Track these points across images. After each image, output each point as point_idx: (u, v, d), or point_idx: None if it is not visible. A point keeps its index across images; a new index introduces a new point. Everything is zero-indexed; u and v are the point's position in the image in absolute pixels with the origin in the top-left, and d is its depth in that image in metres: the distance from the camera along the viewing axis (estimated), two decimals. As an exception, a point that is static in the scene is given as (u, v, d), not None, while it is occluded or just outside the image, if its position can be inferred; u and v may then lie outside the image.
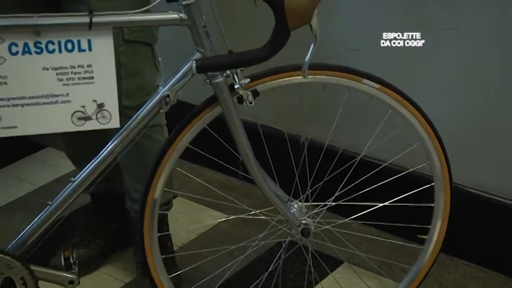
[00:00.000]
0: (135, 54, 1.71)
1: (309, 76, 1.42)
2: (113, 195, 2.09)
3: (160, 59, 1.53)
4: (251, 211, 1.69)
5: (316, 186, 1.63)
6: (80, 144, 1.96)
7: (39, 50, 1.39)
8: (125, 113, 1.54)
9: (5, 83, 1.39)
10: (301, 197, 1.62)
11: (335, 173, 1.68)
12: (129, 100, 1.73)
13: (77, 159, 2.08)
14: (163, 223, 1.98)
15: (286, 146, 1.71)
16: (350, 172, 1.67)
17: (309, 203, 1.61)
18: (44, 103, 1.42)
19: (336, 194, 1.65)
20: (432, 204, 1.65)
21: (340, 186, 1.65)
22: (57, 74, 1.41)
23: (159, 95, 1.47)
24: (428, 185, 1.62)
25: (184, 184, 2.28)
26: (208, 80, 1.44)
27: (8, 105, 1.41)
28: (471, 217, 2.01)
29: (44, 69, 1.40)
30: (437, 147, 1.58)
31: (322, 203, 1.64)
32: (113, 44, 1.40)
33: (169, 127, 1.86)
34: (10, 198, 2.39)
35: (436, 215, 1.65)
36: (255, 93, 1.46)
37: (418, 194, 1.63)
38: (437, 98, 1.95)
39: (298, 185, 1.64)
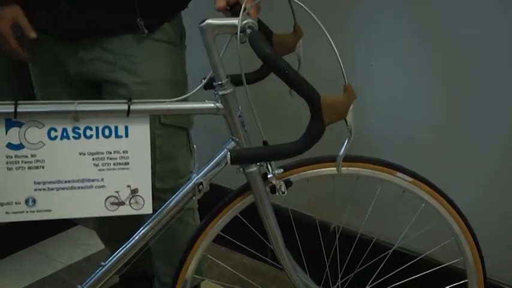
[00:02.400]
0: (171, 137, 1.73)
1: (343, 168, 1.43)
2: (141, 277, 2.08)
3: (194, 146, 1.55)
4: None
5: (348, 277, 1.61)
6: (112, 226, 1.97)
7: (77, 136, 1.42)
8: (157, 196, 1.55)
9: (43, 167, 1.42)
10: (332, 288, 1.60)
11: (367, 264, 1.66)
12: (162, 183, 1.74)
13: (108, 240, 2.08)
14: (191, 307, 1.96)
15: (316, 232, 1.70)
16: (383, 264, 1.64)
17: (339, 295, 1.59)
18: (79, 187, 1.44)
19: (368, 286, 1.62)
20: (466, 300, 1.61)
21: (372, 278, 1.62)
22: (93, 159, 1.43)
23: (192, 182, 1.48)
24: (462, 281, 1.58)
25: (212, 267, 2.26)
26: (241, 169, 1.45)
27: (44, 189, 1.42)
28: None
29: (80, 154, 1.43)
30: (470, 242, 1.56)
31: (353, 295, 1.62)
32: (150, 127, 1.43)
33: (201, 209, 1.87)
34: (39, 276, 2.39)
35: (470, 311, 1.61)
36: (288, 183, 1.46)
37: (451, 289, 1.60)
38: (472, 191, 1.94)
39: (329, 274, 1.62)
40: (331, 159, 1.43)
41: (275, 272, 2.31)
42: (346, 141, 1.27)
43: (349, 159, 1.45)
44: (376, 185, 1.53)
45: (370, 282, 1.61)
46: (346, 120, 1.25)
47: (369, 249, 1.67)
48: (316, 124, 1.21)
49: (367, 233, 1.75)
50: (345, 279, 1.60)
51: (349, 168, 1.48)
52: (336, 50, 1.23)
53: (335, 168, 1.38)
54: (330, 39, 1.24)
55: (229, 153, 1.27)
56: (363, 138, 1.31)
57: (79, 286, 1.53)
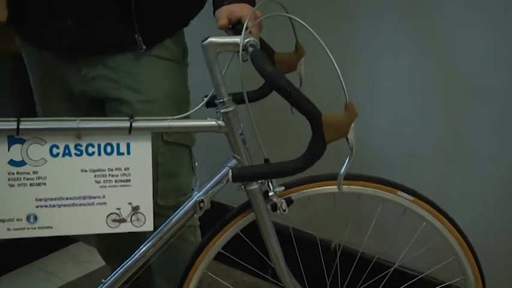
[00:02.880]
0: (173, 155, 1.73)
1: (344, 186, 1.43)
2: (142, 294, 2.08)
3: (196, 163, 1.55)
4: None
5: (348, 295, 1.61)
6: (112, 243, 1.97)
7: (79, 152, 1.42)
8: (159, 213, 1.55)
9: (44, 183, 1.42)
10: (333, 307, 1.59)
11: (368, 283, 1.66)
12: (164, 200, 1.74)
13: (108, 257, 2.08)
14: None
15: (317, 250, 1.70)
16: (383, 282, 1.64)
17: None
18: (80, 204, 1.44)
19: (369, 305, 1.62)
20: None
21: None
22: (95, 176, 1.43)
23: (193, 200, 1.48)
24: (463, 300, 1.58)
25: (212, 284, 2.25)
26: (243, 187, 1.45)
27: (46, 206, 1.43)
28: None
29: (82, 171, 1.43)
30: (471, 261, 1.56)
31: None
32: (152, 144, 1.43)
33: (202, 226, 1.86)
34: (40, 293, 2.39)
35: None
36: (289, 201, 1.46)
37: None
38: (473, 208, 1.94)
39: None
40: (332, 178, 1.43)
41: (276, 290, 2.30)
42: (347, 159, 1.27)
43: (350, 177, 1.45)
44: (377, 203, 1.53)
45: (371, 301, 1.61)
46: (347, 138, 1.25)
47: (369, 267, 1.67)
48: (318, 142, 1.22)
49: (368, 251, 1.75)
50: (345, 297, 1.60)
51: (351, 186, 1.48)
52: (337, 68, 1.24)
53: (336, 187, 1.38)
54: (331, 57, 1.25)
55: (230, 170, 1.28)
56: (363, 154, 1.31)
57: (79, 303, 1.53)
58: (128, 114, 1.51)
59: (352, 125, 1.25)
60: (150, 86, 1.66)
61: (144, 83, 1.65)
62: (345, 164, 1.28)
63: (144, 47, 1.60)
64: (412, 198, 1.51)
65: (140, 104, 1.65)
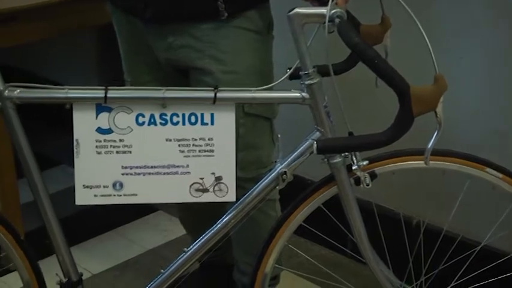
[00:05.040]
0: (254, 127, 1.73)
1: (430, 162, 1.39)
2: (221, 265, 2.10)
3: (279, 135, 1.54)
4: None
5: (431, 273, 1.57)
6: (194, 213, 2.00)
7: (164, 122, 1.44)
8: (239, 184, 1.55)
9: (130, 151, 1.44)
10: (415, 284, 1.57)
11: (452, 262, 1.62)
12: (243, 172, 1.74)
13: (189, 226, 2.11)
14: (270, 298, 1.96)
15: (398, 227, 1.67)
16: (468, 262, 1.60)
17: (422, 291, 1.56)
18: (164, 173, 1.46)
19: (452, 284, 1.58)
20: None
21: (457, 276, 1.58)
22: (179, 146, 1.45)
23: (276, 172, 1.47)
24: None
25: (291, 258, 2.25)
26: (326, 160, 1.44)
27: (131, 174, 1.45)
28: None
29: (167, 140, 1.45)
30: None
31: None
32: (235, 115, 1.43)
33: (282, 200, 1.86)
34: (121, 259, 2.44)
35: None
36: (373, 176, 1.44)
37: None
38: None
39: (412, 270, 1.59)
40: (418, 152, 1.40)
41: (355, 265, 2.28)
42: (435, 133, 1.25)
43: (437, 152, 1.41)
44: (463, 180, 1.49)
45: (455, 280, 1.57)
46: (435, 112, 1.22)
47: (454, 245, 1.63)
48: (405, 115, 1.19)
49: (452, 229, 1.71)
50: (428, 275, 1.56)
51: (437, 162, 1.44)
52: (427, 40, 1.20)
53: (422, 162, 1.35)
54: (421, 28, 1.22)
55: (315, 142, 1.27)
56: (447, 130, 1.28)
57: (162, 270, 1.56)
58: (211, 84, 1.52)
59: (441, 99, 1.22)
60: (233, 57, 1.66)
61: (228, 53, 1.66)
62: (433, 138, 1.26)
63: (225, 14, 1.60)
64: (501, 175, 1.46)
65: (223, 75, 1.65)
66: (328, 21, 1.30)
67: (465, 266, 1.60)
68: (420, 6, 1.39)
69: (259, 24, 1.68)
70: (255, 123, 1.73)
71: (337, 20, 1.30)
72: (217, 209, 1.62)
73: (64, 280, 1.57)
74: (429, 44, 1.21)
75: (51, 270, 1.59)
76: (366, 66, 1.21)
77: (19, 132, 1.46)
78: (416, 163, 1.44)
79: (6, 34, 2.13)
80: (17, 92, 1.43)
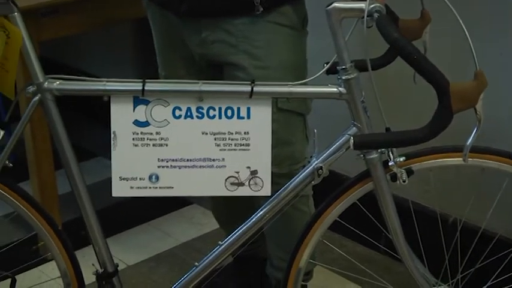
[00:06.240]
0: (288, 122, 1.73)
1: (469, 159, 1.38)
2: (255, 259, 2.10)
3: (315, 130, 1.54)
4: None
5: (468, 271, 1.55)
6: (228, 207, 2.00)
7: (200, 115, 1.44)
8: (272, 180, 1.55)
9: (166, 144, 1.45)
10: (450, 282, 1.55)
11: (489, 260, 1.60)
12: (276, 167, 1.73)
13: (223, 220, 2.11)
14: (304, 292, 1.96)
15: (434, 224, 1.65)
16: (506, 261, 1.58)
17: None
18: (200, 166, 1.46)
19: (489, 283, 1.56)
20: None
21: (494, 275, 1.56)
22: (215, 139, 1.45)
23: (311, 167, 1.47)
24: None
25: (324, 253, 2.25)
26: (362, 155, 1.43)
27: (167, 166, 1.46)
28: None
29: (203, 133, 1.45)
30: None
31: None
32: (270, 110, 1.43)
33: (316, 195, 1.86)
34: (155, 251, 2.46)
35: None
36: (410, 172, 1.43)
37: None
38: None
39: (448, 268, 1.57)
40: (456, 149, 1.39)
41: (389, 262, 2.27)
42: (475, 130, 1.23)
43: (476, 150, 1.39)
44: (502, 178, 1.47)
45: (491, 280, 1.56)
46: (475, 109, 1.21)
47: (492, 244, 1.61)
48: (444, 112, 1.18)
49: (490, 228, 1.69)
50: (464, 273, 1.55)
51: (475, 159, 1.42)
52: (468, 35, 1.19)
53: (460, 159, 1.34)
54: (462, 24, 1.20)
55: (352, 138, 1.26)
56: (486, 128, 1.26)
57: (196, 263, 1.56)
58: (244, 79, 1.52)
59: (481, 96, 1.20)
60: (267, 52, 1.66)
61: (261, 48, 1.65)
62: (472, 135, 1.24)
63: (261, 9, 1.60)
64: (541, 174, 1.44)
65: (256, 70, 1.65)
66: (367, 16, 1.29)
67: (503, 265, 1.58)
68: (460, 1, 1.37)
69: (294, 19, 1.68)
70: (288, 119, 1.72)
71: (375, 15, 1.29)
72: (250, 202, 1.61)
73: (100, 270, 1.59)
74: (470, 40, 1.20)
75: (88, 260, 1.61)
76: (405, 61, 1.20)
77: (58, 123, 1.48)
78: (455, 160, 1.43)
79: (47, 27, 2.16)
80: (56, 84, 1.45)
